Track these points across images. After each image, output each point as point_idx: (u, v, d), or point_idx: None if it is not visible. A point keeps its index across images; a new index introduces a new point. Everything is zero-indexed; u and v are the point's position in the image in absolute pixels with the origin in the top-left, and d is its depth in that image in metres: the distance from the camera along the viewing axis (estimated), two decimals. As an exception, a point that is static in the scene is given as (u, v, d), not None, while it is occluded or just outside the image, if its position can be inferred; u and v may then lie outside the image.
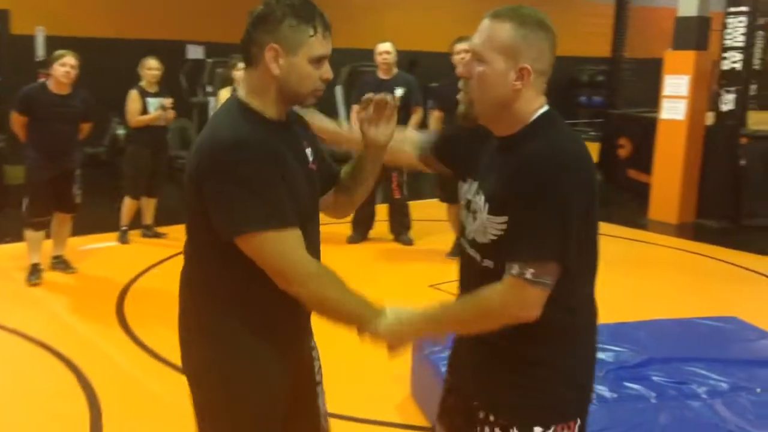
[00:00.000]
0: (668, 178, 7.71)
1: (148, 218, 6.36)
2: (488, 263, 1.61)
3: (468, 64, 1.61)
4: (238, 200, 1.56)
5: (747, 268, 5.98)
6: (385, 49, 6.07)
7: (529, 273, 1.49)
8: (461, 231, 1.75)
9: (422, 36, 11.36)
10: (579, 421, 1.68)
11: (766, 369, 3.18)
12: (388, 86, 5.66)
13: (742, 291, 5.47)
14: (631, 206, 8.25)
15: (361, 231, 6.41)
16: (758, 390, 2.96)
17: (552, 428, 1.63)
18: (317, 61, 1.66)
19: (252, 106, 1.68)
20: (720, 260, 6.25)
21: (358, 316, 1.65)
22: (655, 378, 3.05)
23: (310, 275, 1.62)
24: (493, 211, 1.58)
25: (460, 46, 5.44)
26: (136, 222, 6.32)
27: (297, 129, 1.81)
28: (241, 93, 1.72)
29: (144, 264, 5.59)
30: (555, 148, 1.54)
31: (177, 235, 6.56)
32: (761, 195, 7.56)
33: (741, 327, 3.74)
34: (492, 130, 1.66)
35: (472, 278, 1.66)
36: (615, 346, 3.35)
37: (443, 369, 3.00)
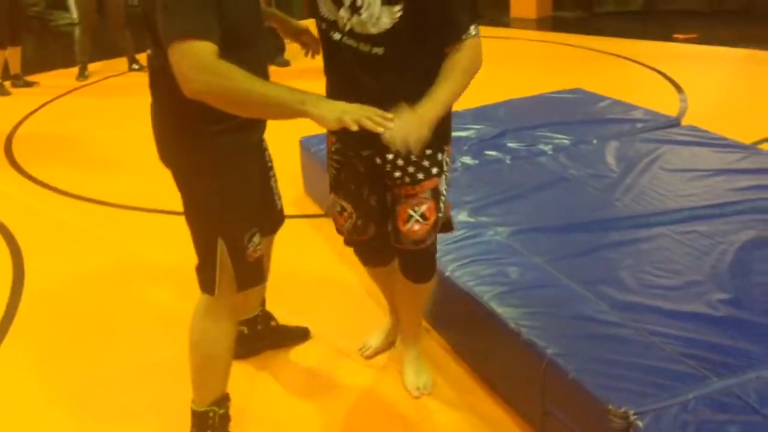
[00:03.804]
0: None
1: (15, 67, 6.20)
2: (378, 50, 1.86)
3: None
4: (176, 13, 1.64)
5: (596, 50, 6.56)
6: None
7: (476, 29, 1.87)
8: (329, 25, 1.93)
9: None
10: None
11: (603, 125, 3.74)
12: None
13: (590, 68, 6.07)
14: (492, 6, 8.59)
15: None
16: (594, 141, 3.51)
17: (445, 151, 2.05)
18: None
19: None
20: (574, 46, 6.79)
21: (299, 94, 1.66)
22: (509, 144, 3.53)
23: (208, 68, 1.63)
24: (387, 3, 1.80)
25: None
26: (3, 74, 6.16)
27: None
28: None
29: (23, 112, 5.56)
30: None
31: (48, 82, 6.49)
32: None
33: (584, 95, 4.27)
34: None
35: (357, 67, 1.90)
36: (476, 124, 3.80)
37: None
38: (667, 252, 2.49)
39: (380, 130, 1.64)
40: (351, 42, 1.90)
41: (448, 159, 2.09)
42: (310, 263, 3.19)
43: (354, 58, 1.91)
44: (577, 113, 3.93)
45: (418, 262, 2.17)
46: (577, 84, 4.64)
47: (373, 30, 1.84)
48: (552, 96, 4.27)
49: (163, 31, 1.67)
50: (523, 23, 7.93)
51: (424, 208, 2.04)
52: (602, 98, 4.15)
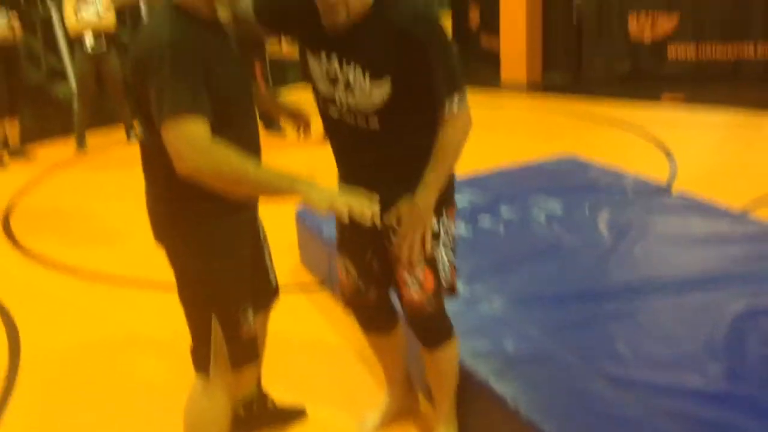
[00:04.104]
0: (514, 40, 8.25)
1: (13, 139, 6.28)
2: (374, 123, 1.94)
3: None
4: (167, 93, 1.70)
5: (585, 113, 6.70)
6: None
7: (462, 99, 1.91)
8: (327, 103, 2.02)
9: None
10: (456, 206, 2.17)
11: (595, 193, 3.79)
12: None
13: (580, 133, 6.17)
14: (485, 71, 8.77)
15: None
16: (587, 209, 3.55)
17: (443, 214, 2.07)
18: None
19: (184, 6, 1.79)
20: (564, 110, 6.92)
21: (290, 180, 1.74)
22: (503, 213, 3.57)
23: (203, 148, 1.69)
24: (375, 79, 1.88)
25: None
26: (1, 145, 6.24)
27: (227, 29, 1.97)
28: None
29: (20, 184, 5.60)
30: (415, 12, 1.87)
31: (46, 153, 6.55)
32: (596, 46, 8.25)
33: (576, 163, 4.34)
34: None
35: (356, 140, 2.00)
36: (470, 192, 3.85)
37: (324, 234, 3.43)
38: (662, 323, 2.50)
39: (368, 220, 1.71)
40: (348, 118, 1.98)
41: (449, 224, 2.11)
42: (306, 336, 3.19)
43: (351, 132, 1.99)
44: (569, 181, 3.99)
45: (423, 326, 2.19)
46: (567, 148, 4.72)
47: (367, 106, 1.92)
48: (544, 163, 4.34)
49: (157, 109, 1.71)
50: (513, 87, 8.09)
51: (420, 275, 2.07)
52: (593, 165, 4.22)
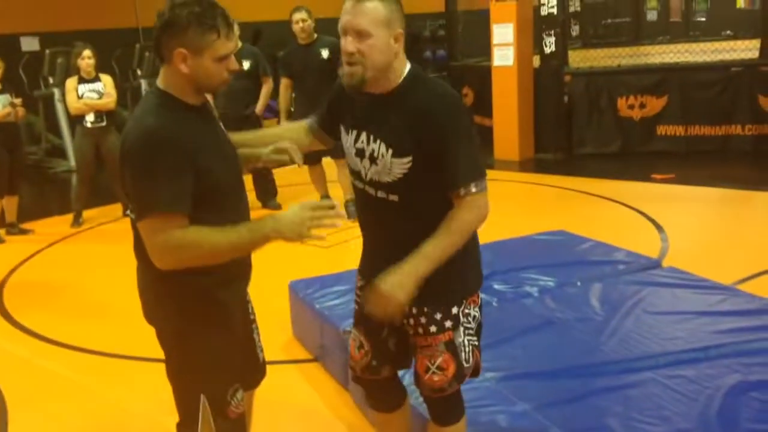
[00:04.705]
0: (506, 120, 8.42)
1: (11, 216, 6.32)
2: (394, 198, 2.01)
3: (353, 43, 1.91)
4: (144, 188, 1.78)
5: (577, 190, 6.79)
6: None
7: (478, 186, 1.95)
8: (355, 175, 2.10)
9: (264, 6, 11.47)
10: (479, 293, 2.17)
11: (586, 267, 3.82)
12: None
13: (572, 209, 6.25)
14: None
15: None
16: (578, 283, 3.58)
17: (463, 303, 2.09)
18: (222, 59, 1.86)
19: (172, 93, 1.89)
20: (555, 187, 7.02)
21: (259, 228, 1.84)
22: (496, 287, 3.59)
23: (176, 246, 1.78)
24: (397, 155, 1.96)
25: (298, 15, 5.84)
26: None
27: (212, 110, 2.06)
28: (161, 84, 1.91)
29: (16, 260, 5.62)
30: (441, 94, 1.98)
31: (43, 230, 6.58)
32: (587, 126, 8.43)
33: (568, 237, 4.38)
34: (372, 90, 1.99)
35: (377, 213, 2.07)
36: (464, 267, 3.87)
37: (317, 307, 3.44)
38: (655, 398, 2.49)
39: (339, 223, 1.86)
40: (370, 190, 2.06)
41: (470, 311, 2.13)
42: (298, 413, 3.14)
43: (374, 204, 2.06)
44: (561, 255, 4.02)
45: (439, 405, 2.20)
46: (559, 224, 4.77)
47: (388, 179, 2.00)
48: (536, 238, 4.38)
49: (134, 204, 1.81)
50: (506, 165, 8.20)
51: (439, 360, 2.08)
52: (585, 240, 4.26)
